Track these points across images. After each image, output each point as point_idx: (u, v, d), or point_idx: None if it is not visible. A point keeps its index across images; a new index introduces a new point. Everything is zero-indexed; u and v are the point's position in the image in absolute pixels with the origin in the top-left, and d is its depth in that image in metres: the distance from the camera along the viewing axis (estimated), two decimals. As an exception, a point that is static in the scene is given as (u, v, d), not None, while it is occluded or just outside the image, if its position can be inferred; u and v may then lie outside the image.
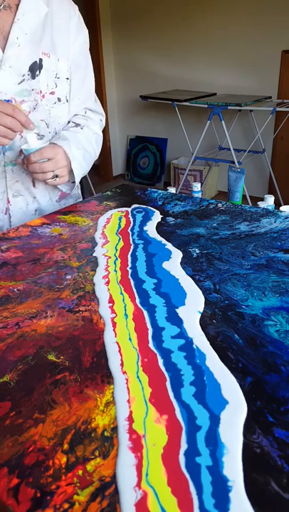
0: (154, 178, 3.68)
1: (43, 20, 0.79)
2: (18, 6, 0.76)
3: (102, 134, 0.97)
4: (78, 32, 0.88)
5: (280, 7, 2.63)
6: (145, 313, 0.49)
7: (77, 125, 0.91)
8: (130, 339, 0.45)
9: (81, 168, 0.87)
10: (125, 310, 0.50)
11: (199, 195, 1.40)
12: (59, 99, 0.85)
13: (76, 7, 0.88)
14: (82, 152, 0.86)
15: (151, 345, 0.44)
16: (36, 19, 0.78)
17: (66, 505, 0.29)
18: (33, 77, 0.79)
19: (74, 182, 0.87)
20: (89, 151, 0.90)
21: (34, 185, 0.87)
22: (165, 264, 0.60)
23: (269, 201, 1.30)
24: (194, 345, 0.43)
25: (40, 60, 0.79)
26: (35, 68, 0.79)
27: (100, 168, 4.00)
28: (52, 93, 0.83)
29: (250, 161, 3.06)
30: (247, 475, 0.30)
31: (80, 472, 0.31)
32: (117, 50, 3.57)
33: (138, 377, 0.40)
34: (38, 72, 0.79)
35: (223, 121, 2.54)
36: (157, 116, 3.53)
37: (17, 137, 0.79)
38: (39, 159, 0.77)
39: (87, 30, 0.90)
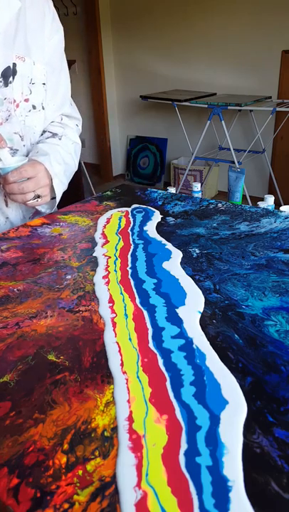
0: (154, 178, 3.68)
1: (16, 18, 0.69)
2: None
3: (80, 142, 0.90)
4: (53, 30, 0.78)
5: (280, 7, 2.64)
6: (145, 313, 0.49)
7: (54, 135, 0.83)
8: (130, 339, 0.45)
9: (62, 185, 0.80)
10: (125, 310, 0.50)
11: (199, 195, 1.40)
12: (34, 107, 0.76)
13: (50, 1, 0.78)
14: (63, 167, 0.80)
15: (151, 345, 0.44)
16: (8, 16, 0.67)
17: (66, 505, 0.29)
18: (6, 84, 0.70)
19: (53, 198, 0.80)
20: (70, 165, 0.83)
21: (7, 205, 0.80)
22: (165, 264, 0.60)
23: (269, 201, 1.30)
24: (194, 345, 0.43)
25: (14, 64, 0.70)
26: (8, 74, 0.70)
27: (100, 168, 4.00)
28: (26, 100, 0.75)
29: (250, 161, 3.06)
30: (247, 475, 0.30)
31: (80, 472, 0.31)
32: (117, 50, 3.57)
33: (138, 377, 0.40)
34: (11, 79, 0.70)
35: (223, 121, 2.54)
36: (157, 116, 3.53)
37: None
38: (18, 179, 0.69)
39: (62, 28, 0.81)
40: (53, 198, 0.81)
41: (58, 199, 0.81)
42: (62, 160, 0.81)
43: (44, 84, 0.77)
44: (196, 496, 0.29)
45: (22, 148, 0.78)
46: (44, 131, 0.83)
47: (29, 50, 0.73)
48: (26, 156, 0.79)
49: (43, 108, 0.79)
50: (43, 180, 0.74)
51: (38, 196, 0.74)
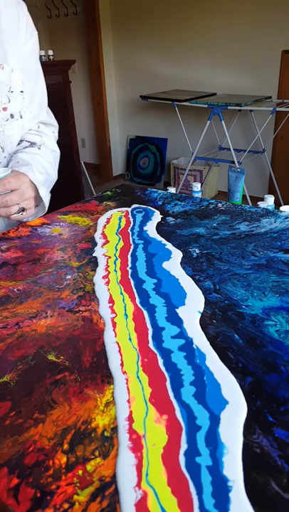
0: (154, 178, 3.68)
1: None
2: None
3: (58, 150, 0.87)
4: (28, 34, 0.74)
5: (280, 7, 2.64)
6: (145, 313, 0.49)
7: (32, 144, 0.79)
8: (130, 339, 0.45)
9: (47, 195, 0.77)
10: (125, 310, 0.50)
11: (199, 195, 1.40)
12: (12, 116, 0.73)
13: (24, 5, 0.73)
14: (45, 177, 0.77)
15: (151, 345, 0.44)
16: None
17: (66, 505, 0.29)
18: None
19: (37, 206, 0.76)
20: (50, 175, 0.80)
21: None
22: (165, 264, 0.60)
23: (269, 201, 1.30)
24: (194, 345, 0.43)
25: None
26: None
27: (100, 168, 4.00)
28: (4, 109, 0.72)
29: (250, 161, 3.06)
30: (247, 475, 0.30)
31: (80, 472, 0.31)
32: (117, 50, 3.57)
33: (138, 377, 0.40)
34: None
35: (223, 121, 2.54)
36: (157, 116, 3.53)
37: None
38: (1, 192, 0.66)
39: (36, 32, 0.77)
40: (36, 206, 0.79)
41: (46, 209, 0.78)
42: (44, 170, 0.78)
43: (22, 92, 0.74)
44: (196, 495, 0.29)
45: (3, 160, 0.75)
46: (21, 140, 0.80)
47: (6, 56, 0.70)
48: (6, 167, 0.76)
49: (21, 117, 0.76)
50: (28, 193, 0.70)
51: (23, 209, 0.71)
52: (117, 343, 0.44)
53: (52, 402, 0.37)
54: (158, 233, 0.71)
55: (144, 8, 3.24)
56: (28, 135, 0.81)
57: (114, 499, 0.29)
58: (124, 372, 0.40)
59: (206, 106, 2.56)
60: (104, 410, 0.36)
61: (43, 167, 0.78)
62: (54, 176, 0.83)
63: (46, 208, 0.79)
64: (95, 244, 0.68)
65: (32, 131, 0.82)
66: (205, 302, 0.51)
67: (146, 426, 0.34)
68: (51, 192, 0.82)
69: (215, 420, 0.35)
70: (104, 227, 0.75)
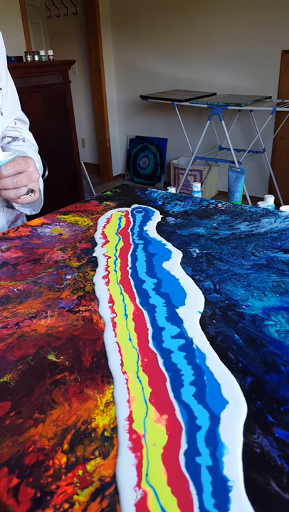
0: (154, 178, 3.68)
1: None
2: None
3: (37, 146, 0.89)
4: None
5: (280, 7, 2.64)
6: (145, 313, 0.49)
7: (15, 138, 0.81)
8: (130, 339, 0.45)
9: (42, 183, 0.78)
10: (125, 310, 0.50)
11: (199, 195, 1.40)
12: None
13: None
14: (39, 165, 0.78)
15: (151, 345, 0.44)
16: None
17: (66, 505, 0.29)
18: None
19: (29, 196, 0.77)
20: (40, 165, 0.82)
21: None
22: (165, 264, 0.60)
23: (269, 201, 1.31)
24: (194, 345, 0.43)
25: None
26: None
27: (100, 168, 4.00)
28: None
29: (250, 161, 3.06)
30: (247, 475, 0.30)
31: (80, 472, 0.31)
32: (117, 50, 3.57)
33: (138, 377, 0.40)
34: None
35: (223, 121, 2.54)
36: (157, 116, 3.53)
37: None
38: (12, 173, 0.66)
39: (0, 32, 0.79)
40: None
41: (42, 196, 0.78)
42: (37, 159, 0.80)
43: (1, 89, 0.75)
44: (196, 495, 0.29)
45: None
46: (3, 137, 0.81)
47: None
48: None
49: (1, 114, 0.77)
50: (35, 174, 0.71)
51: (31, 191, 0.71)
52: (117, 343, 0.44)
53: (52, 402, 0.37)
54: (158, 233, 0.71)
55: (144, 8, 3.24)
56: (7, 131, 0.81)
57: (114, 499, 0.29)
58: (124, 372, 0.40)
59: (206, 106, 2.56)
60: (104, 410, 0.36)
61: (35, 156, 0.80)
62: (41, 169, 0.84)
63: (42, 198, 0.79)
64: (95, 244, 0.68)
65: (9, 128, 0.82)
66: (205, 302, 0.51)
67: (146, 426, 0.34)
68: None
69: (215, 420, 0.35)
70: (105, 227, 0.75)
